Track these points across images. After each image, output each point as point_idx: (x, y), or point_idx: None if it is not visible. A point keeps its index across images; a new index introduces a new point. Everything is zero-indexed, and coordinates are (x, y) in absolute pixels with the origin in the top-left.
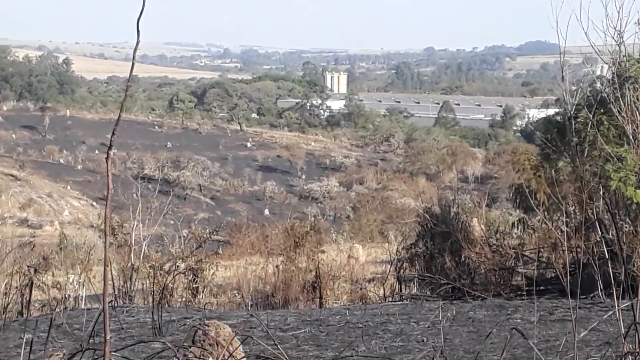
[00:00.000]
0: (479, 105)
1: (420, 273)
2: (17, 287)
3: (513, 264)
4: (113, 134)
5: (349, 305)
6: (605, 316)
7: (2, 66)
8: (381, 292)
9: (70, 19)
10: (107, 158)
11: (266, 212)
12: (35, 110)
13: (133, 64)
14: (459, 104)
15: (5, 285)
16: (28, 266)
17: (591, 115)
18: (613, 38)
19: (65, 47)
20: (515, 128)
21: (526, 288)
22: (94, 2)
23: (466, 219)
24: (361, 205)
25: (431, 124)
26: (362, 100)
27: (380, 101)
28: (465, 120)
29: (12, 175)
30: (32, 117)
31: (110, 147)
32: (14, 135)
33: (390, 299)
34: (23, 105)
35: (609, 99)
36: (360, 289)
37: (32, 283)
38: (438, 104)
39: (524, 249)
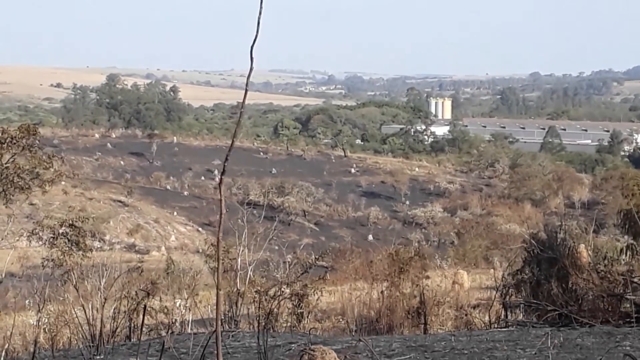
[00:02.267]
0: (586, 130)
1: (527, 299)
2: (125, 312)
3: (622, 291)
4: (226, 159)
5: (454, 331)
6: None
7: (112, 94)
8: (486, 318)
9: (178, 47)
10: (220, 183)
11: (370, 237)
12: (143, 137)
13: (246, 91)
14: (565, 129)
15: (114, 309)
16: (140, 290)
17: None
18: None
19: (173, 75)
20: (623, 153)
21: (635, 315)
22: (200, 31)
23: (573, 245)
24: (465, 231)
25: (537, 149)
26: (466, 126)
27: (484, 126)
28: (572, 145)
29: (120, 201)
30: (140, 143)
31: (223, 173)
32: (122, 162)
33: (496, 325)
34: (131, 133)
35: None
36: (465, 315)
37: (145, 308)
38: (544, 129)
39: (633, 275)
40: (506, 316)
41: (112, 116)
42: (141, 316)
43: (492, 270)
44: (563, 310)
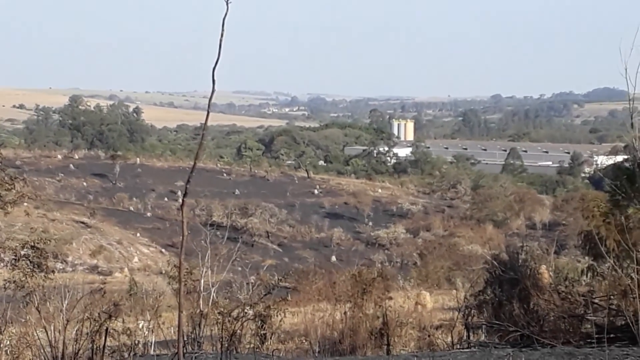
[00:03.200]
0: (547, 152)
1: (489, 320)
2: (87, 334)
3: (582, 312)
4: (188, 181)
5: (416, 352)
6: None
7: (74, 115)
8: (449, 339)
9: (141, 68)
10: (182, 205)
11: (333, 258)
12: (106, 159)
13: (208, 112)
14: (526, 151)
15: (76, 331)
16: (102, 312)
17: None
18: None
19: (136, 97)
20: (583, 175)
21: (596, 336)
22: (163, 53)
23: (534, 266)
24: (428, 252)
25: (498, 170)
26: (428, 147)
27: (447, 148)
28: (533, 167)
29: (82, 223)
30: (103, 165)
31: (185, 194)
32: (85, 183)
33: (459, 346)
34: (94, 154)
35: None
36: (428, 335)
37: (107, 330)
38: (505, 150)
39: (594, 296)
40: (468, 337)
41: (75, 137)
42: (103, 338)
43: (454, 291)
44: (525, 331)
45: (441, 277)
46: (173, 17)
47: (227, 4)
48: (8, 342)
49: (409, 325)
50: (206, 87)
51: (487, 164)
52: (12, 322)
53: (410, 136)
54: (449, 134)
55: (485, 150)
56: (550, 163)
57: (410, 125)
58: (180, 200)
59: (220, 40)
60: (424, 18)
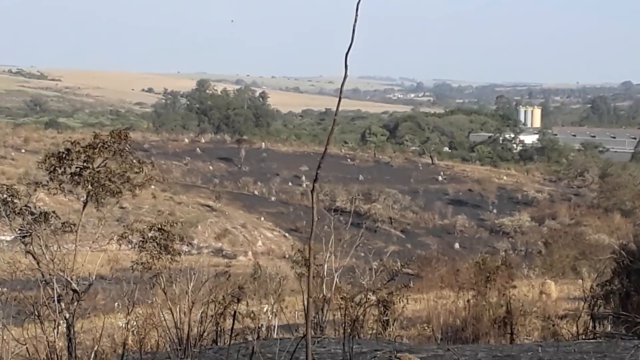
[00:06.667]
0: None
1: (616, 311)
2: (212, 316)
3: None
4: (319, 167)
5: (540, 341)
6: None
7: (201, 99)
8: (574, 329)
9: (267, 54)
10: (312, 190)
11: (456, 245)
12: (231, 143)
13: (340, 98)
14: None
15: (201, 314)
16: (227, 295)
17: None
18: None
19: (262, 81)
20: None
21: None
22: (290, 39)
23: None
24: (553, 240)
25: (627, 159)
26: (556, 135)
27: (574, 135)
28: None
29: (208, 206)
30: (228, 149)
31: (315, 180)
32: (211, 167)
33: (584, 337)
34: (220, 138)
35: None
36: (553, 325)
37: (234, 313)
38: (635, 138)
39: None
40: (594, 327)
41: (202, 121)
42: (228, 320)
43: (580, 280)
44: None
45: (566, 266)
46: (298, 4)
47: None
48: (135, 323)
49: (533, 314)
50: (331, 72)
51: (616, 152)
52: (139, 303)
53: (537, 123)
54: (577, 121)
55: (614, 138)
56: None
57: (537, 112)
58: (307, 185)
59: (354, 26)
60: (551, 2)
